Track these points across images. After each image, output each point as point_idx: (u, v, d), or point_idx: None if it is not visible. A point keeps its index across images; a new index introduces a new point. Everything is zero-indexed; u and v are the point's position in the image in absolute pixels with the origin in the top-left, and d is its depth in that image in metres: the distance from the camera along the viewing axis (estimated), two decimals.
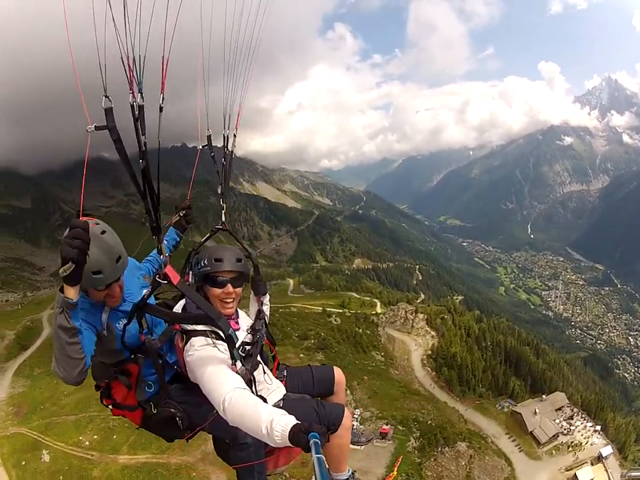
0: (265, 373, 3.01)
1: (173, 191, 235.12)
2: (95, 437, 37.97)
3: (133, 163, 2.13)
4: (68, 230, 2.01)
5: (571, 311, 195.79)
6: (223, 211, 3.52)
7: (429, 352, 64.60)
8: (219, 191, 3.56)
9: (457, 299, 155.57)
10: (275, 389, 3.07)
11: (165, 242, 3.51)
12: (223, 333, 2.58)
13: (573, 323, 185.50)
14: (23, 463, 36.67)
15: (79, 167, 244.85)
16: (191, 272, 2.94)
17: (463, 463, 41.33)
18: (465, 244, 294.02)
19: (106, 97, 1.99)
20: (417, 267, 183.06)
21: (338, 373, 3.42)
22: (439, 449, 41.56)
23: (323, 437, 2.07)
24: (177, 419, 2.82)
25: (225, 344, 2.62)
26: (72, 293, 2.09)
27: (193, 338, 2.64)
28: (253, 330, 3.07)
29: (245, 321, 3.16)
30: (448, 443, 42.04)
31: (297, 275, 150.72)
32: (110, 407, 2.96)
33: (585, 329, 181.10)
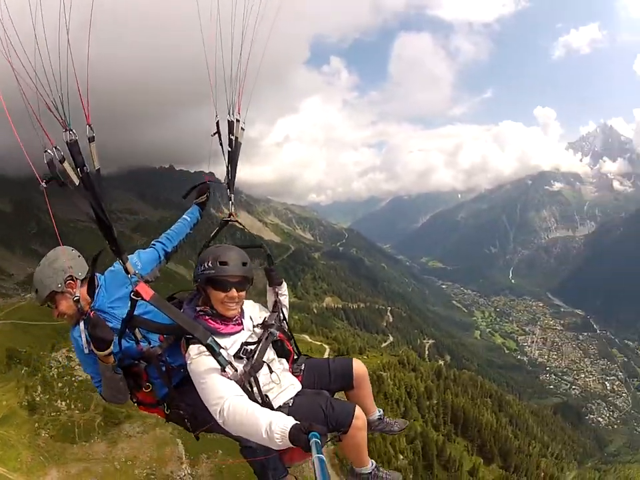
0: (271, 372, 2.86)
1: (152, 213, 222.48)
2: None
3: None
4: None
5: (546, 356, 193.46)
6: (231, 202, 3.58)
7: None
8: (224, 181, 3.59)
9: (427, 342, 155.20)
10: (287, 387, 2.94)
11: (188, 219, 3.71)
12: (201, 344, 2.57)
13: (547, 368, 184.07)
14: None
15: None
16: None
17: None
18: (444, 286, 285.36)
19: (70, 130, 2.16)
20: (389, 308, 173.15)
21: (357, 366, 3.23)
22: None
23: (323, 436, 2.09)
24: (185, 420, 2.97)
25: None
26: (110, 359, 2.69)
27: (190, 345, 2.67)
28: (263, 325, 3.02)
29: (255, 316, 3.09)
30: None
31: None
32: (136, 404, 3.15)
33: (559, 374, 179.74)
